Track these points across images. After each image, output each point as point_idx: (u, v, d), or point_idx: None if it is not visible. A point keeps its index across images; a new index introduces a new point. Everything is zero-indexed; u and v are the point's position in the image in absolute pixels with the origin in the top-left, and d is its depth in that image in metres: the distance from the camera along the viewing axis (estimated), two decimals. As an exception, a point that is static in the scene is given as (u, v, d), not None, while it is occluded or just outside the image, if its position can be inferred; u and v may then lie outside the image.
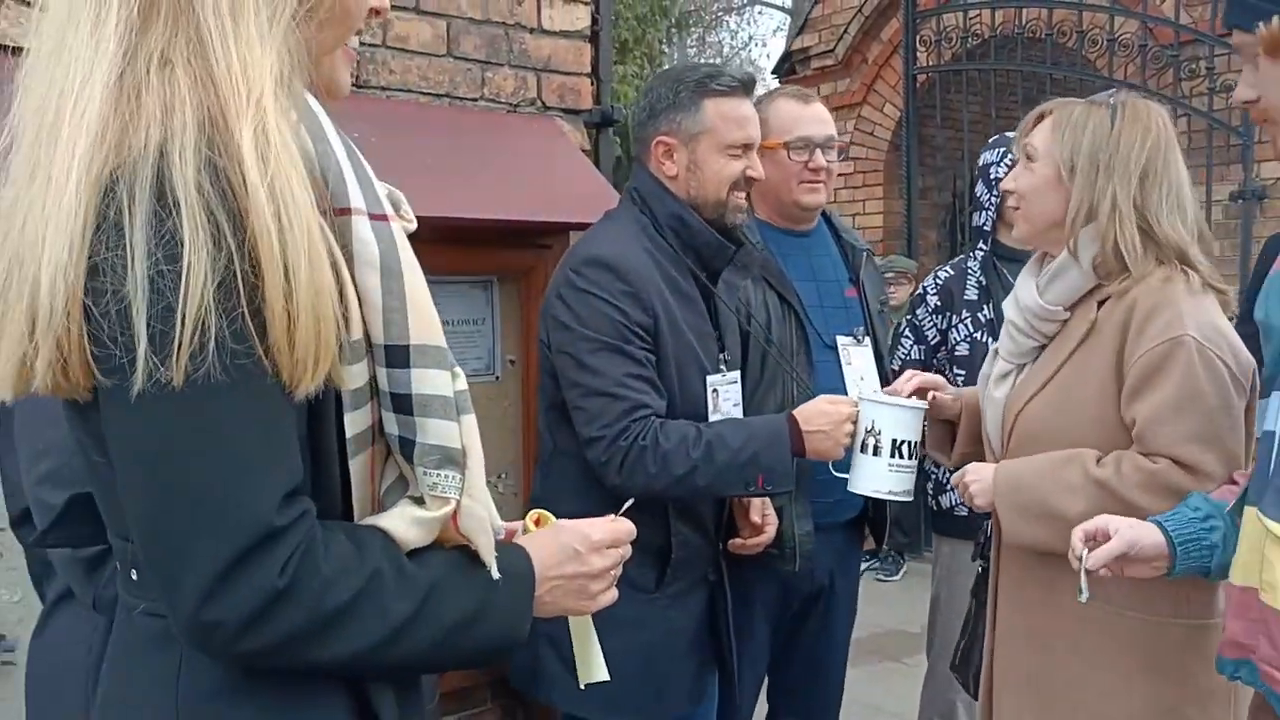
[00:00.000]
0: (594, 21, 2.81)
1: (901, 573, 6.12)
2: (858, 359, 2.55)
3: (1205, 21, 5.22)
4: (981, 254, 2.80)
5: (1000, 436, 1.93)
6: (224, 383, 0.84)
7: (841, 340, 2.52)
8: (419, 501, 1.00)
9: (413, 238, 1.02)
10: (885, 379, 2.70)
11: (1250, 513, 1.40)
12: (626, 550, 1.17)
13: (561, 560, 1.10)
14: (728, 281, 2.22)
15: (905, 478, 1.98)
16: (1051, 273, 1.84)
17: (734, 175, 2.09)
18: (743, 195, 2.14)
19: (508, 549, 1.07)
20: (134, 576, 0.98)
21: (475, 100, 2.60)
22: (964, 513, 2.73)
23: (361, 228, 0.93)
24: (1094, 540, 1.53)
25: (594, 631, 1.25)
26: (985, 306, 2.76)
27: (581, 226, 2.49)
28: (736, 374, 2.16)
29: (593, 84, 2.81)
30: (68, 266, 0.83)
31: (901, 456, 1.97)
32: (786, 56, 7.58)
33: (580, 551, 1.12)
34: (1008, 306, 1.94)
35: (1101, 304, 1.80)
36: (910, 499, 2.02)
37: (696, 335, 2.09)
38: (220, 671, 0.94)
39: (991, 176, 2.78)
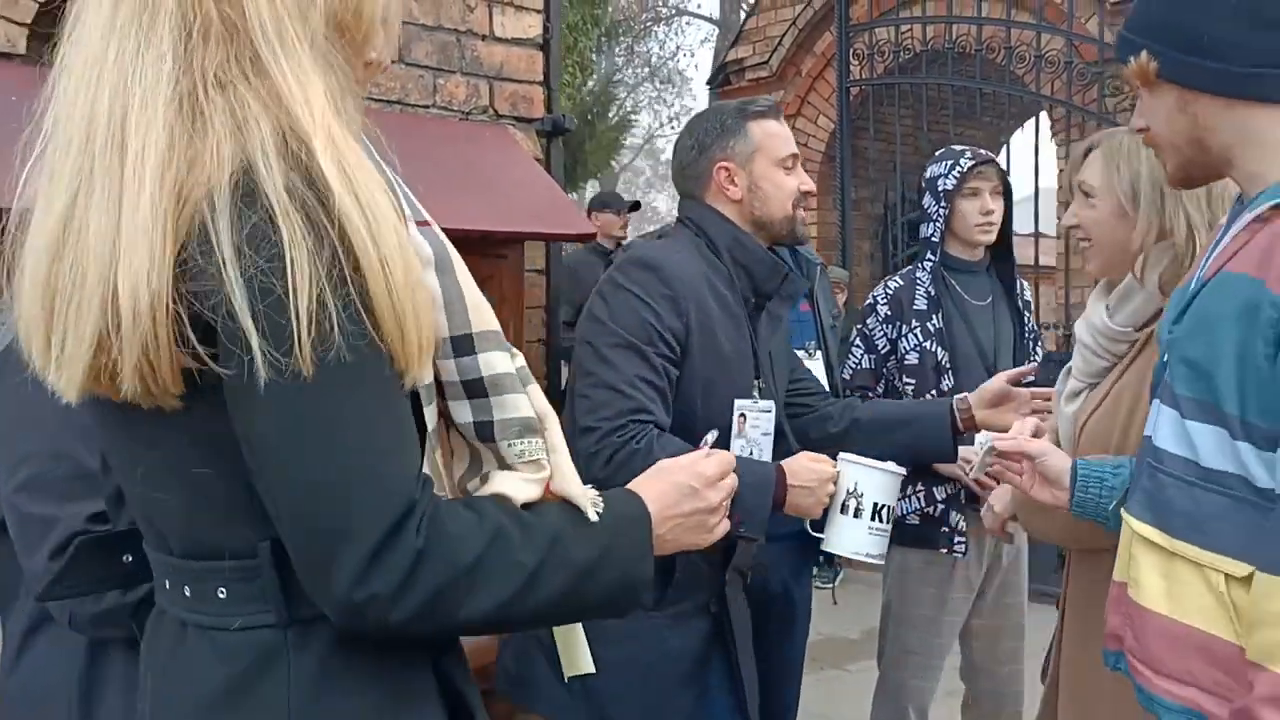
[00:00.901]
0: (545, 30, 2.80)
1: (838, 579, 6.18)
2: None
3: (1128, 40, 5.39)
4: (930, 265, 2.84)
5: (1071, 451, 1.96)
6: (353, 363, 0.88)
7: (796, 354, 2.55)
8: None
9: None
10: (836, 390, 2.72)
11: (1123, 511, 1.50)
12: (735, 479, 1.22)
13: (680, 498, 1.15)
14: (772, 313, 2.23)
15: (882, 541, 2.01)
16: (1119, 296, 1.89)
17: (794, 189, 2.14)
18: (802, 210, 2.19)
19: (619, 494, 1.11)
20: (222, 594, 0.98)
21: (427, 108, 2.57)
22: (915, 521, 2.76)
23: (414, 231, 0.99)
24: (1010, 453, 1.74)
25: (579, 624, 1.27)
26: (934, 316, 2.80)
27: (537, 236, 2.47)
28: (771, 404, 2.15)
29: (544, 92, 2.79)
30: (150, 273, 0.86)
31: (880, 520, 1.99)
32: (722, 67, 7.64)
33: (697, 489, 1.16)
34: (1080, 328, 1.98)
35: None
36: (883, 562, 2.05)
37: (734, 354, 2.09)
38: (329, 676, 0.96)
39: (940, 189, 2.81)
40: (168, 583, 1.03)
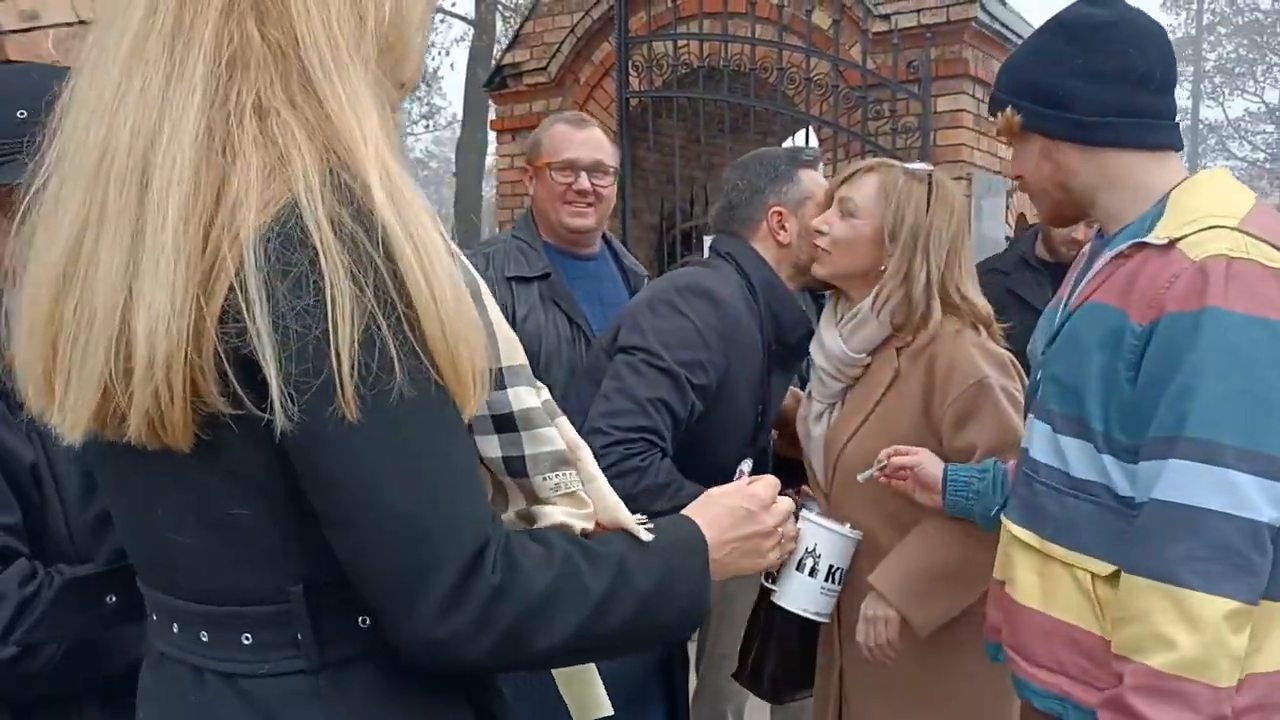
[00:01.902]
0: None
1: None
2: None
3: (888, 68, 5.77)
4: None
5: (825, 471, 2.11)
6: (416, 397, 0.86)
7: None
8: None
9: None
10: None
11: (1003, 517, 1.65)
12: (789, 502, 1.20)
13: (735, 522, 1.13)
14: (785, 363, 2.24)
15: (830, 602, 2.05)
16: (854, 324, 2.04)
17: None
18: None
19: (673, 520, 1.10)
20: (247, 640, 0.94)
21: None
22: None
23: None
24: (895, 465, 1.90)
25: (591, 668, 1.24)
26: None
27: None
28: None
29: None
30: (171, 320, 0.82)
31: (833, 582, 2.03)
32: (499, 70, 7.56)
33: (753, 511, 1.15)
34: (815, 353, 2.12)
35: (900, 350, 2.02)
36: (826, 621, 2.10)
37: (750, 396, 2.11)
38: (365, 715, 0.94)
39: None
40: (176, 626, 0.98)
